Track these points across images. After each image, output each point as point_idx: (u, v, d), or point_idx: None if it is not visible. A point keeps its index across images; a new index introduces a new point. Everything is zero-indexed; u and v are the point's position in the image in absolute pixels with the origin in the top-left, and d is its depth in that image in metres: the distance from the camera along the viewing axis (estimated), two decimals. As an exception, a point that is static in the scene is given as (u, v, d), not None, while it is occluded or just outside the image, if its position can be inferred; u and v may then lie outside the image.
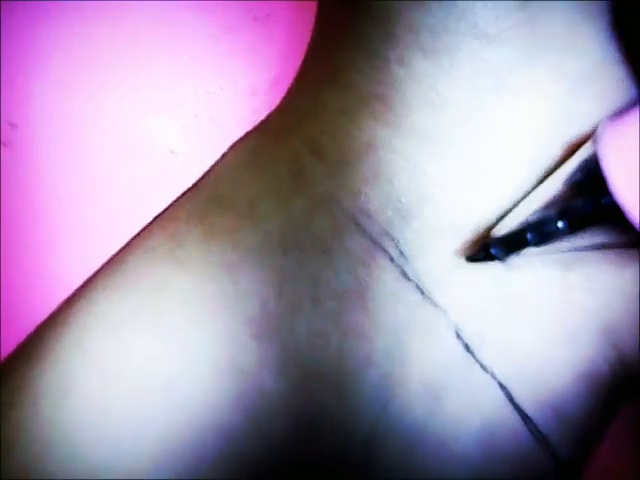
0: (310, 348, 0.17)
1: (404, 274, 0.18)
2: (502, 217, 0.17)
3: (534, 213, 0.16)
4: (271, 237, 0.18)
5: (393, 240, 0.18)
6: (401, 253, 0.18)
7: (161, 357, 0.17)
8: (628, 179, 0.15)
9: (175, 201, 0.20)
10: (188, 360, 0.17)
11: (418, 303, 0.17)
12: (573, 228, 0.16)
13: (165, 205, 0.20)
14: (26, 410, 0.17)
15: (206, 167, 0.20)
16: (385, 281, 0.18)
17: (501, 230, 0.17)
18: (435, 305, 0.17)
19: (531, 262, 0.17)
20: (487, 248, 0.17)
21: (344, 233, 0.18)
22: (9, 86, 0.26)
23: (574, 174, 0.16)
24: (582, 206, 0.16)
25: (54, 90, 0.26)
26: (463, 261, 0.17)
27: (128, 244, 0.19)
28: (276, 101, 0.20)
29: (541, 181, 0.17)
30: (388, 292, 0.17)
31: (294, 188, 0.18)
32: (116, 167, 0.26)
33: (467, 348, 0.17)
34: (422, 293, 0.17)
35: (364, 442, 0.17)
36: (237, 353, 0.17)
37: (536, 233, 0.16)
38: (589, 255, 0.17)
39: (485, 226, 0.17)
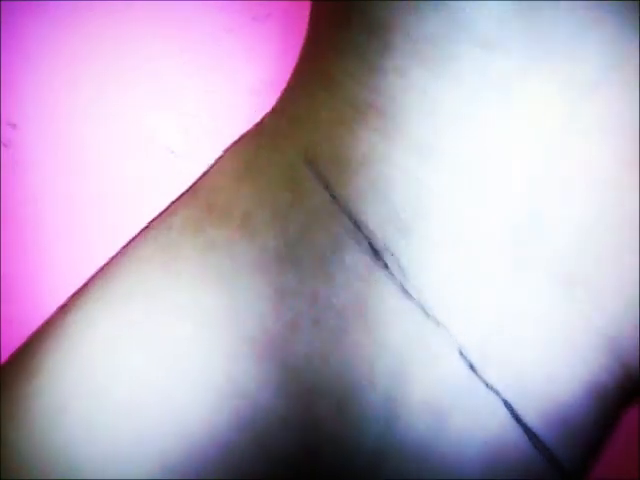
0: (310, 368, 0.17)
1: (405, 292, 0.17)
2: None
3: None
4: (268, 251, 0.17)
5: (394, 256, 0.17)
6: (402, 270, 0.17)
7: (156, 374, 0.17)
8: None
9: (169, 207, 0.19)
10: (185, 378, 0.17)
11: (420, 321, 0.17)
12: None
13: (164, 205, 0.19)
14: (22, 430, 0.17)
15: (207, 167, 0.20)
16: (386, 299, 0.17)
17: None
18: (438, 323, 0.17)
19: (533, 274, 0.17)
20: None
21: (343, 248, 0.17)
22: (9, 86, 0.26)
23: None
24: None
25: (54, 90, 0.26)
26: (465, 277, 0.17)
27: (121, 252, 0.19)
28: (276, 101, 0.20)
29: None
30: (389, 310, 0.17)
31: (290, 200, 0.18)
32: (116, 167, 0.26)
33: (471, 367, 0.17)
34: (424, 311, 0.17)
35: (368, 462, 0.17)
36: (236, 372, 0.17)
37: None
38: (594, 269, 0.17)
39: (490, 242, 0.17)
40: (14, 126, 0.26)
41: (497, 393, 0.17)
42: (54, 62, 0.26)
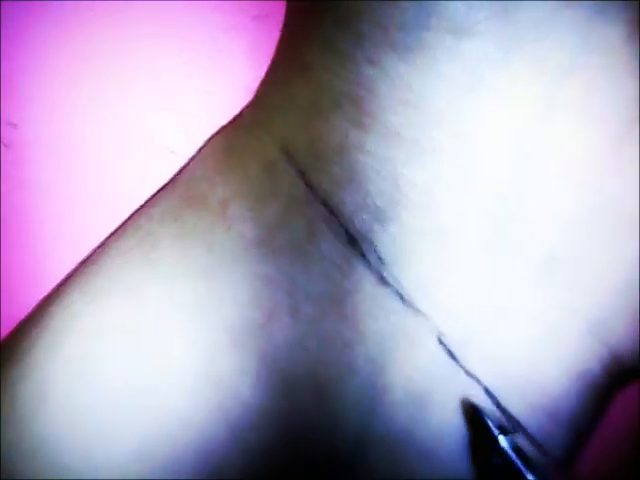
0: (289, 356, 0.17)
1: (383, 279, 0.17)
2: None
3: None
4: (245, 240, 0.17)
5: (371, 244, 0.17)
6: (379, 258, 0.17)
7: (137, 365, 0.17)
8: None
9: (151, 198, 0.19)
10: (165, 369, 0.17)
11: (398, 309, 0.17)
12: None
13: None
14: (3, 418, 0.17)
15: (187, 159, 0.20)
16: (363, 287, 0.17)
17: None
18: (416, 311, 0.17)
19: (514, 264, 0.17)
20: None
21: (319, 237, 0.17)
22: (9, 86, 0.26)
23: None
24: None
25: (54, 90, 0.26)
26: (445, 265, 0.17)
27: (103, 244, 0.19)
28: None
29: None
30: (367, 298, 0.17)
31: (267, 189, 0.18)
32: (116, 167, 0.26)
33: (450, 354, 0.17)
34: (402, 299, 0.17)
35: (349, 451, 0.17)
36: (216, 362, 0.17)
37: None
38: (577, 255, 0.17)
39: (468, 231, 0.17)
40: (14, 126, 0.26)
41: (478, 380, 0.17)
42: (54, 62, 0.26)
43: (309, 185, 0.17)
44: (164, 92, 0.26)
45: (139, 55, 0.26)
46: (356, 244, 0.17)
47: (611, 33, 0.16)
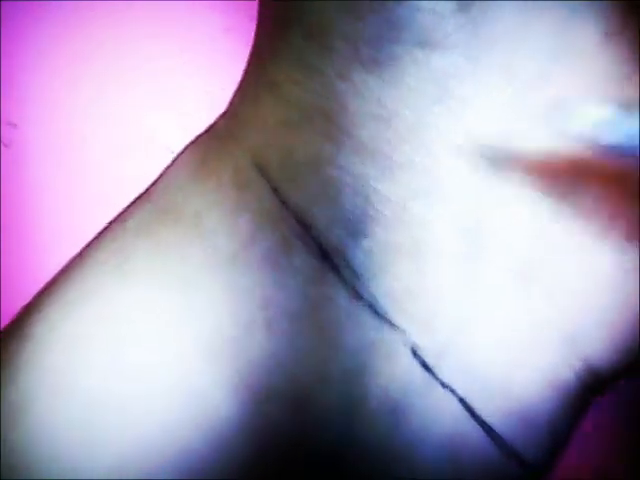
0: (264, 370, 0.17)
1: (357, 294, 0.17)
2: None
3: None
4: (219, 253, 0.17)
5: (345, 259, 0.17)
6: (353, 272, 0.17)
7: (113, 377, 0.17)
8: None
9: (126, 209, 0.19)
10: (140, 380, 0.17)
11: (373, 323, 0.17)
12: None
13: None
14: None
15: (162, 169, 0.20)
16: (338, 301, 0.17)
17: None
18: (391, 324, 0.17)
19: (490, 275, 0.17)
20: None
21: (293, 251, 0.17)
22: (9, 85, 0.26)
23: None
24: None
25: (54, 90, 0.26)
26: (419, 279, 0.17)
27: (80, 254, 0.19)
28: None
29: None
30: (341, 312, 0.17)
31: (240, 202, 0.17)
32: (116, 167, 0.26)
33: (425, 366, 0.17)
34: (377, 313, 0.17)
35: (326, 463, 0.17)
36: (191, 375, 0.17)
37: None
38: (548, 267, 0.17)
39: (441, 243, 0.17)
40: (14, 126, 0.26)
41: (453, 392, 0.17)
42: (54, 62, 0.26)
43: (282, 199, 0.17)
44: (164, 92, 0.26)
45: (139, 55, 0.26)
46: (330, 259, 0.17)
47: (584, 36, 0.16)
